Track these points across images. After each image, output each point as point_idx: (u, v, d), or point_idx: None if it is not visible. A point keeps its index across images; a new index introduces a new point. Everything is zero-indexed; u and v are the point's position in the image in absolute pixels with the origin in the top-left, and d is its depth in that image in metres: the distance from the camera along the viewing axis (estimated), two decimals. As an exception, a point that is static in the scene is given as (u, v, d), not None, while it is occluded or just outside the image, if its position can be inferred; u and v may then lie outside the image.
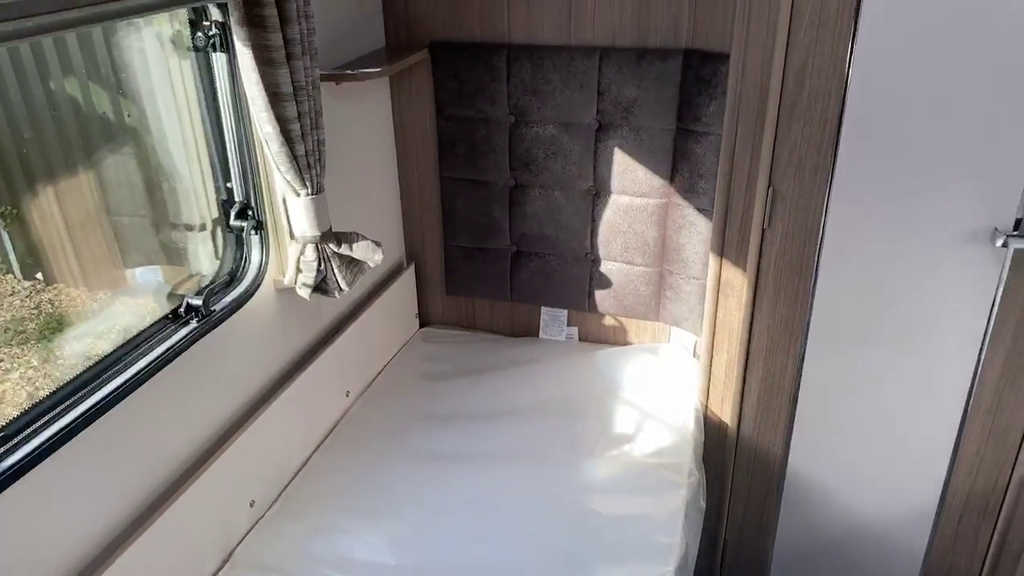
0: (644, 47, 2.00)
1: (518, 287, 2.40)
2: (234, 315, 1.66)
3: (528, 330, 2.48)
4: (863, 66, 1.64)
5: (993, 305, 1.76)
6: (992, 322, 1.78)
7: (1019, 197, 1.65)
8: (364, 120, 2.16)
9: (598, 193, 2.19)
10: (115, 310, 1.93)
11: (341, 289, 1.79)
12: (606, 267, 2.28)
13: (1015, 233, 1.66)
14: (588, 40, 2.04)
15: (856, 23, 1.60)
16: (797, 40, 1.65)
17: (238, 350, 1.70)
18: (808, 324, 1.91)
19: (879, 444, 1.99)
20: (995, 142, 1.62)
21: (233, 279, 1.73)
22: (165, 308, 1.57)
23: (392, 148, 2.33)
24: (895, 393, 1.92)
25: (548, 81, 2.09)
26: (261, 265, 1.74)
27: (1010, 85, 1.57)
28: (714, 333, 2.01)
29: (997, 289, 1.74)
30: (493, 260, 2.38)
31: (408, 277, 2.45)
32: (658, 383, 2.20)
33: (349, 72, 1.87)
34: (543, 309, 2.43)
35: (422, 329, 2.55)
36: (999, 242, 1.66)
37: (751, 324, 1.96)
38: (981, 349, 1.81)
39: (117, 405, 1.34)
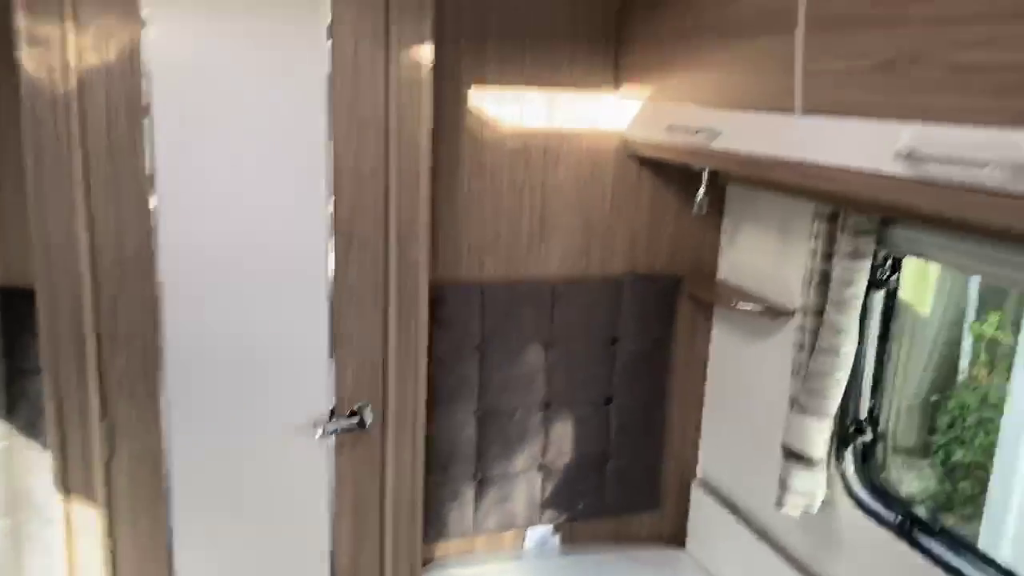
0: None
1: None
2: None
3: None
4: (172, 295, 1.79)
5: (333, 485, 2.01)
6: (334, 499, 2.02)
7: (326, 396, 1.95)
8: None
9: (-82, 450, 1.90)
10: None
11: None
12: (-56, 532, 1.95)
13: (330, 423, 1.95)
14: None
15: (154, 255, 1.76)
16: (101, 276, 1.73)
17: None
18: (171, 545, 1.91)
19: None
20: (301, 351, 1.91)
21: None
22: None
23: None
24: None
25: None
26: None
27: (295, 314, 1.89)
28: (78, 582, 1.87)
29: (332, 471, 2.00)
30: None
31: None
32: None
33: None
34: None
35: None
36: (318, 433, 1.92)
37: (115, 559, 1.87)
38: (333, 524, 2.03)
39: None
